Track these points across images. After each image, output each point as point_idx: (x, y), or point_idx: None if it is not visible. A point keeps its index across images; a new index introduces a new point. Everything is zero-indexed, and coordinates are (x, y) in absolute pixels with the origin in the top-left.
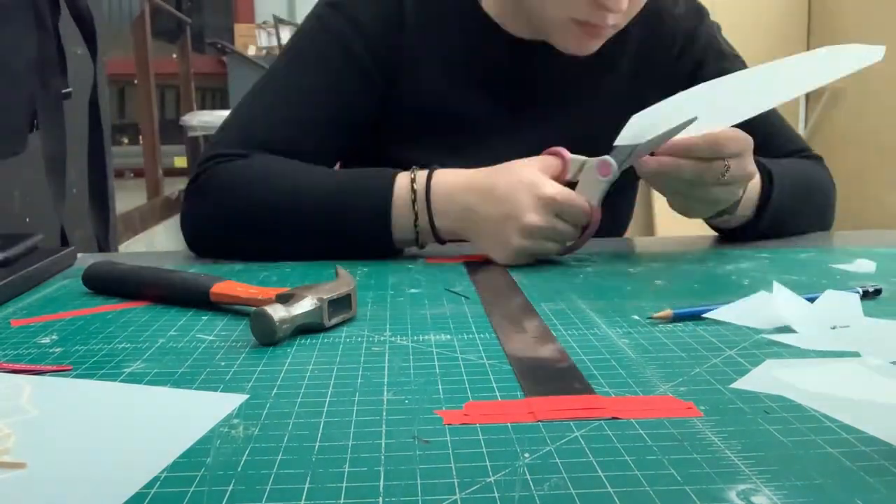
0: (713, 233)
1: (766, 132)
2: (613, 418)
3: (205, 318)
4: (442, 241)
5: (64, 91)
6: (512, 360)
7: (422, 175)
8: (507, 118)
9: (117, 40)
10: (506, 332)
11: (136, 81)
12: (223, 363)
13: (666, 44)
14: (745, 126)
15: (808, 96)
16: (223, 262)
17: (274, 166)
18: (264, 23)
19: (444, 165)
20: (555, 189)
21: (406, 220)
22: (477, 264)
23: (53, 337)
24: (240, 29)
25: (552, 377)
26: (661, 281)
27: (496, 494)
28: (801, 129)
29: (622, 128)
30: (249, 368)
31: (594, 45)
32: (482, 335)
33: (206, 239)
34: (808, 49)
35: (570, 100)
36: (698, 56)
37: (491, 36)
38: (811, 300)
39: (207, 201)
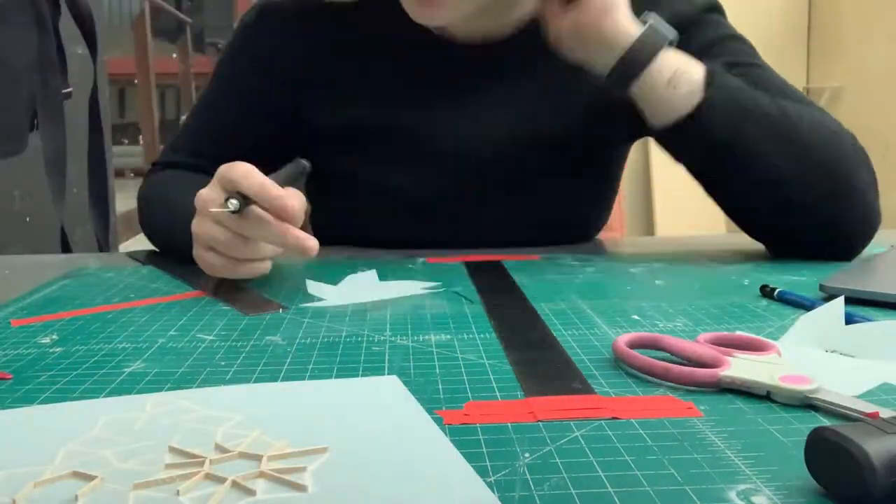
0: (713, 232)
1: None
2: (613, 418)
3: (205, 317)
4: None
5: (64, 91)
6: (512, 360)
7: None
8: (443, 117)
9: (117, 40)
10: (506, 332)
11: (136, 81)
12: (223, 363)
13: None
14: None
15: (808, 96)
16: None
17: (162, 185)
18: None
19: (390, 175)
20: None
21: None
22: (477, 264)
23: (53, 337)
24: None
25: (552, 377)
26: (660, 281)
27: (496, 494)
28: None
29: (564, 108)
30: (250, 368)
31: (433, 13)
32: (482, 335)
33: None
34: (807, 48)
35: (507, 88)
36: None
37: (417, 40)
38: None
39: (138, 207)
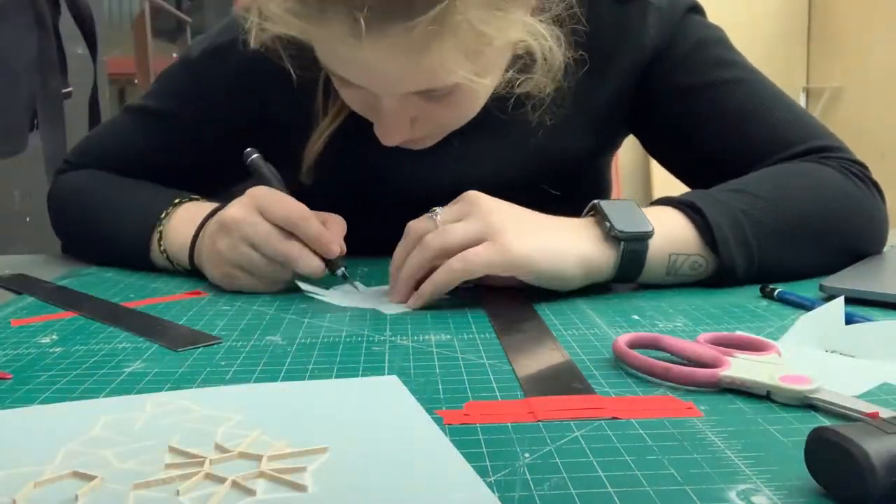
0: None
1: (766, 123)
2: (613, 418)
3: (205, 318)
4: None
5: (64, 91)
6: (512, 360)
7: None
8: (413, 168)
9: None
10: (506, 332)
11: (136, 81)
12: (223, 363)
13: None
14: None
15: (808, 96)
16: None
17: (94, 188)
18: None
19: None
20: (268, 191)
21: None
22: None
23: (53, 337)
24: None
25: (552, 377)
26: None
27: (496, 494)
28: None
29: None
30: (250, 368)
31: (421, 146)
32: (482, 335)
33: (59, 234)
34: (807, 48)
35: (488, 134)
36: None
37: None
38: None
39: (51, 204)
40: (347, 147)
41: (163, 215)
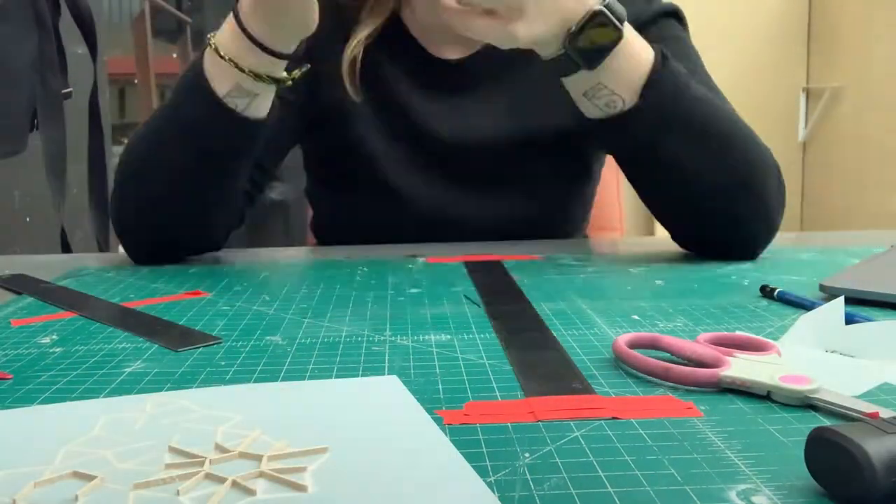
0: None
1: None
2: (613, 418)
3: (205, 318)
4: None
5: (64, 91)
6: (512, 360)
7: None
8: (434, 116)
9: (117, 40)
10: (506, 332)
11: (136, 81)
12: (223, 363)
13: None
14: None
15: (808, 96)
16: (223, 262)
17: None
18: None
19: (386, 170)
20: None
21: (222, 63)
22: (477, 264)
23: (53, 337)
24: None
25: (552, 377)
26: (661, 281)
27: (496, 494)
28: (801, 129)
29: (538, 111)
30: (250, 368)
31: (454, 53)
32: (482, 335)
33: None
34: (807, 48)
35: (487, 93)
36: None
37: (407, 54)
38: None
39: (114, 187)
40: (373, 70)
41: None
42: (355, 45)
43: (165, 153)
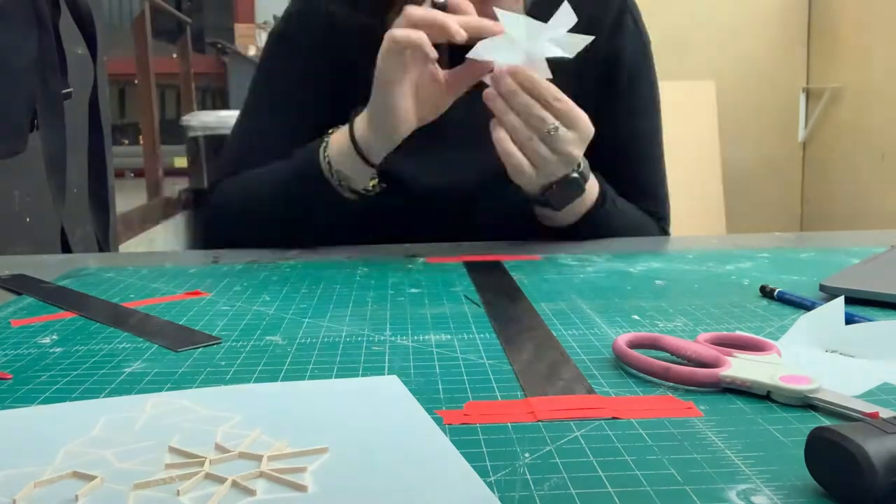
0: (714, 233)
1: (640, 183)
2: (613, 418)
3: (205, 318)
4: (374, 161)
5: (64, 91)
6: (512, 360)
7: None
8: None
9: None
10: (506, 332)
11: (136, 81)
12: (223, 363)
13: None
14: (622, 170)
15: (808, 96)
16: (222, 262)
17: (244, 177)
18: (264, 23)
19: (394, 166)
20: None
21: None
22: (477, 264)
23: (53, 337)
24: (240, 29)
25: (552, 377)
26: (661, 281)
27: (496, 494)
28: (800, 129)
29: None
30: (250, 368)
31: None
32: (482, 335)
33: (217, 239)
34: (807, 48)
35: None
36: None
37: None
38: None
39: (211, 216)
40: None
41: (325, 139)
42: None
43: (263, 214)
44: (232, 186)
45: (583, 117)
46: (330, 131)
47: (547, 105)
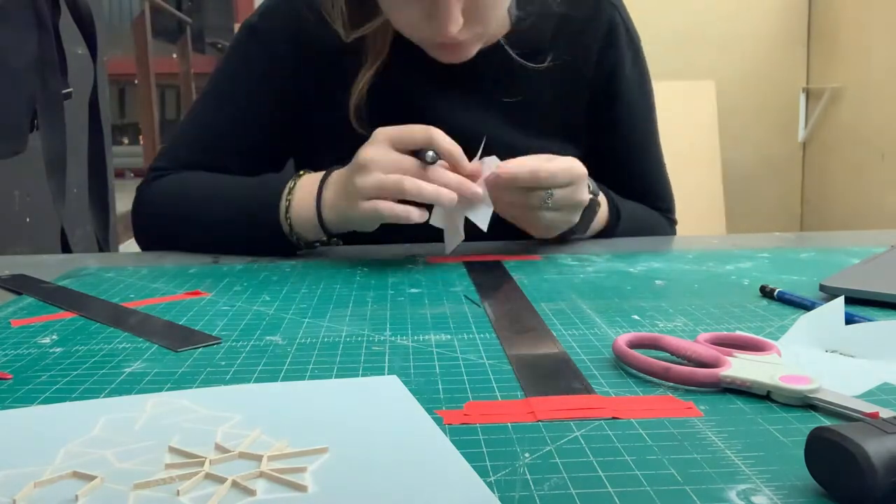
0: (714, 233)
1: (645, 183)
2: (613, 418)
3: (205, 318)
4: (330, 234)
5: (64, 91)
6: (512, 360)
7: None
8: (430, 116)
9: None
10: (506, 332)
11: (136, 81)
12: (223, 363)
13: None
14: (626, 174)
15: (808, 96)
16: (222, 262)
17: (189, 181)
18: None
19: None
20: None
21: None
22: (477, 264)
23: (53, 337)
24: None
25: (552, 377)
26: (661, 281)
27: (496, 494)
28: (800, 129)
29: (525, 117)
30: (250, 368)
31: (463, 55)
32: (482, 335)
33: (148, 237)
34: (807, 48)
35: (483, 95)
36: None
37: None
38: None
39: (143, 210)
40: (387, 94)
41: (290, 184)
42: (362, 82)
43: (202, 232)
44: (171, 188)
45: (569, 166)
46: (290, 185)
47: (534, 183)
